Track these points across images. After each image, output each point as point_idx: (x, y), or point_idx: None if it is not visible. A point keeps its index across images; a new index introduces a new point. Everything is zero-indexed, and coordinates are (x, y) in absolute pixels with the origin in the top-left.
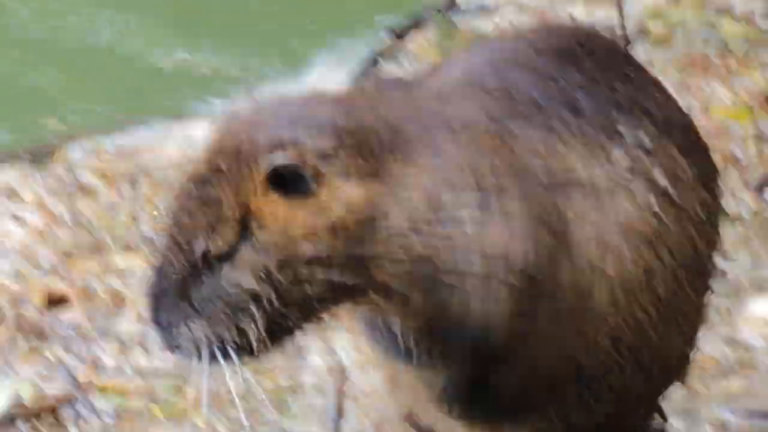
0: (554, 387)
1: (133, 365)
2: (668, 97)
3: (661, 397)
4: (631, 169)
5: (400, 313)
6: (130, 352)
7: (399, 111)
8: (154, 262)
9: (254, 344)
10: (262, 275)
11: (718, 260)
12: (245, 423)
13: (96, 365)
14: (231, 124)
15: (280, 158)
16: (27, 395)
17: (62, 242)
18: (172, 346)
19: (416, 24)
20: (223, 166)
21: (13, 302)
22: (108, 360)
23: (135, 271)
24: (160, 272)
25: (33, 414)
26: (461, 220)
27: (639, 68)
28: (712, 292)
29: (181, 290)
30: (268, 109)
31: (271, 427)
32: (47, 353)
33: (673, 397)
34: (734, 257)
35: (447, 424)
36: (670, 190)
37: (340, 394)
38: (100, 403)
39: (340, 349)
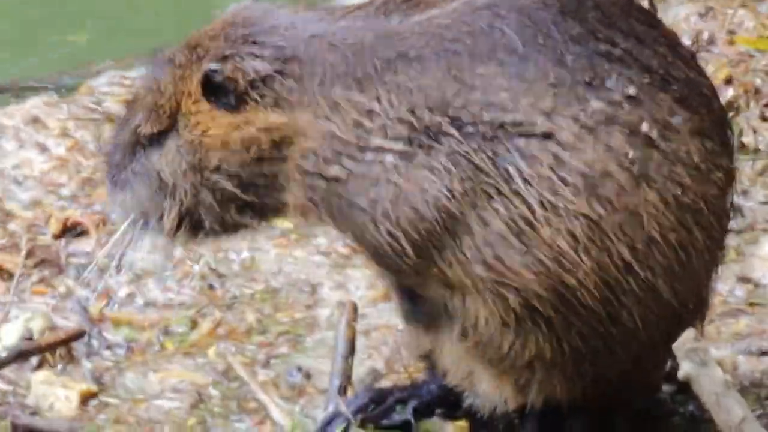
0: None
1: (146, 297)
2: (675, 52)
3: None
4: (608, 117)
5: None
6: (144, 283)
7: (368, 41)
8: (115, 124)
9: (168, 227)
10: (178, 170)
11: (734, 196)
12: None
13: (108, 296)
14: (208, 25)
15: (216, 69)
16: (39, 328)
17: (84, 169)
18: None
19: None
20: (177, 60)
21: (28, 230)
22: (121, 291)
23: None
24: (116, 136)
25: (45, 348)
26: (384, 163)
27: (649, 23)
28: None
29: (122, 157)
30: (242, 18)
31: (285, 360)
32: (59, 284)
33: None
34: (750, 192)
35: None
36: (655, 138)
37: (351, 330)
38: (112, 335)
39: (352, 285)
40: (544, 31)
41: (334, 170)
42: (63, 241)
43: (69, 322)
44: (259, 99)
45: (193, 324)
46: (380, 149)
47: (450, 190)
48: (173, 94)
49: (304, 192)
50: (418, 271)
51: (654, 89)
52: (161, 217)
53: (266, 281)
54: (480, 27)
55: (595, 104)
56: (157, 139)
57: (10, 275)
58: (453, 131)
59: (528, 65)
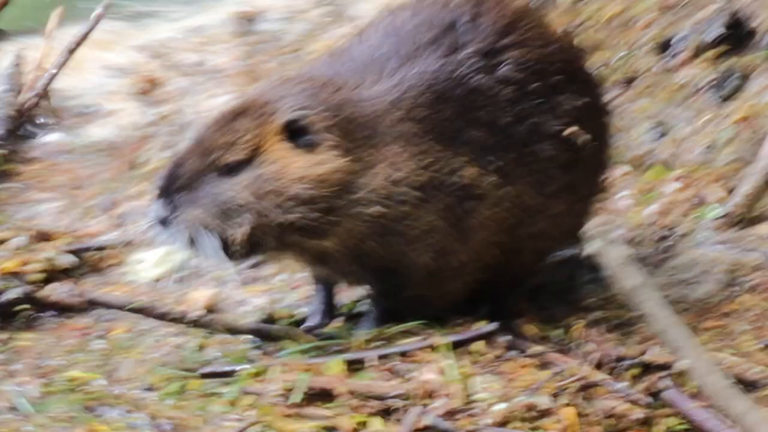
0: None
1: None
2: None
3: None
4: (495, 182)
5: (351, 256)
6: None
7: (380, 114)
8: (174, 157)
9: (232, 246)
10: (256, 195)
11: None
12: None
13: None
14: (271, 86)
15: (299, 117)
16: None
17: None
18: (163, 219)
19: None
20: (256, 109)
21: None
22: None
23: None
24: (177, 165)
25: None
26: (405, 207)
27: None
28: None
29: (189, 181)
30: (302, 83)
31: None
32: None
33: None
34: None
35: None
36: (498, 181)
37: None
38: None
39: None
40: (447, 125)
41: (374, 206)
42: None
43: None
44: (325, 142)
45: None
46: (400, 196)
47: (446, 230)
48: (255, 134)
49: (352, 222)
50: None
51: (511, 163)
52: (224, 234)
53: None
54: (426, 111)
55: (493, 179)
56: (234, 168)
57: None
58: (437, 184)
59: (464, 142)
